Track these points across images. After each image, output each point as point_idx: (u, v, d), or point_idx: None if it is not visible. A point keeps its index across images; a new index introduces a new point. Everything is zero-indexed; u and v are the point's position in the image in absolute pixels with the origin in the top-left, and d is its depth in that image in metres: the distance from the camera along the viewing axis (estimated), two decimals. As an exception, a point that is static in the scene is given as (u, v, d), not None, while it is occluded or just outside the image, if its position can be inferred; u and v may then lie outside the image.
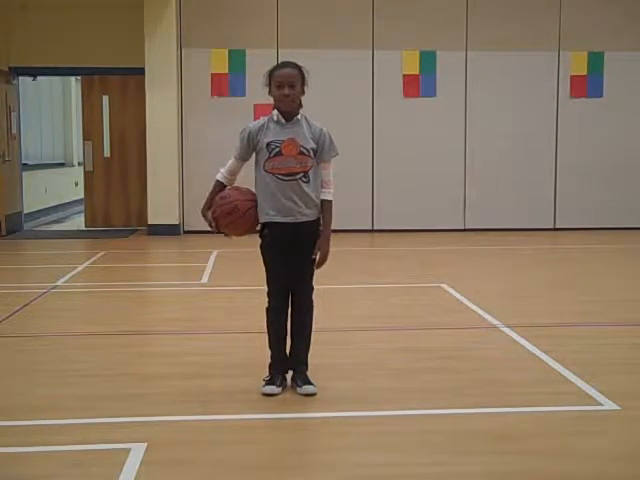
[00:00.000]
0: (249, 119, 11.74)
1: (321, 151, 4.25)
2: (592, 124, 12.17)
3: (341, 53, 11.83)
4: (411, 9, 11.88)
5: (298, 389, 4.26)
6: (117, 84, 12.47)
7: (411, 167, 12.07)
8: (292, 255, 4.24)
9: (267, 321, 4.36)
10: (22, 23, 12.03)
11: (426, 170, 12.09)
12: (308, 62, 12.53)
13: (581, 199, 12.25)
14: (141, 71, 11.49)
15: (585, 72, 12.10)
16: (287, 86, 4.14)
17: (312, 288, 4.35)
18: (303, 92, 4.22)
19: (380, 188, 12.06)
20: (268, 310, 4.35)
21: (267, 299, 4.34)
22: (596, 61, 12.09)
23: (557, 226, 12.28)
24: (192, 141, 11.83)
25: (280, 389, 4.27)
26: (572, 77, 12.11)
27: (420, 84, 11.99)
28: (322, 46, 11.78)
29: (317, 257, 4.26)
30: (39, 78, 13.75)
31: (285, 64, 4.25)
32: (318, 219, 4.31)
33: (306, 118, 4.26)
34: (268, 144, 4.22)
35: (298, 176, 4.21)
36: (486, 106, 12.05)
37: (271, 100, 4.27)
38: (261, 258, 4.33)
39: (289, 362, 4.36)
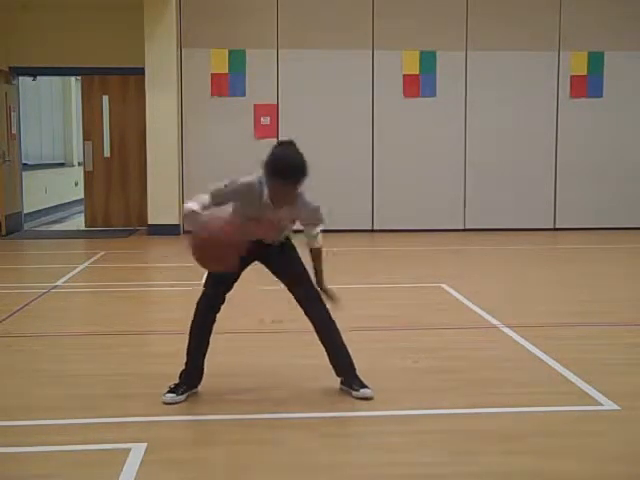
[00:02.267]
0: (249, 119, 11.78)
1: (305, 223, 4.19)
2: (592, 124, 12.17)
3: (341, 53, 11.83)
4: (411, 9, 11.88)
5: (354, 393, 4.19)
6: (117, 84, 12.47)
7: (411, 167, 12.07)
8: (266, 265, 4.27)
9: (194, 316, 4.25)
10: (22, 23, 12.03)
11: (426, 170, 12.09)
12: (308, 62, 12.50)
13: (581, 199, 12.24)
14: (141, 71, 11.49)
15: (585, 72, 12.10)
16: (284, 197, 3.98)
17: (315, 292, 4.25)
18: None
19: (380, 188, 12.06)
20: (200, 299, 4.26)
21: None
22: (596, 61, 12.09)
23: (557, 226, 12.28)
24: (192, 141, 11.83)
25: (183, 397, 4.17)
26: (572, 77, 12.11)
27: (420, 84, 11.99)
28: (322, 46, 11.78)
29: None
30: (39, 78, 13.74)
31: (290, 175, 3.92)
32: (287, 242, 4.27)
33: (301, 197, 4.06)
34: (245, 216, 4.05)
35: (266, 241, 4.22)
36: (486, 106, 12.05)
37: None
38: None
39: (201, 377, 4.28)
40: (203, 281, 4.31)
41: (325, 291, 4.26)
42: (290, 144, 4.04)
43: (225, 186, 4.05)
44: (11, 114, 12.19)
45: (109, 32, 12.01)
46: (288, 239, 4.30)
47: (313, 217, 4.16)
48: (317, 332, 4.29)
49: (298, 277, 4.25)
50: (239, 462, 3.44)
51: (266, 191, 4.00)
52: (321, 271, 4.25)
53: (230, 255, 3.88)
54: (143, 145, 11.79)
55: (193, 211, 3.95)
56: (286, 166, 3.92)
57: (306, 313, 4.27)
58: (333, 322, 4.28)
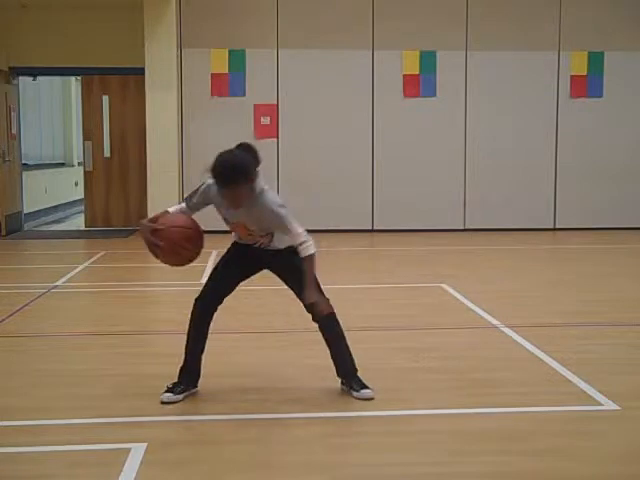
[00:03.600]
0: (249, 119, 11.78)
1: (274, 228, 4.11)
2: (592, 124, 12.17)
3: (341, 53, 11.83)
4: (411, 9, 11.88)
5: (355, 393, 4.19)
6: (117, 84, 12.47)
7: (411, 167, 12.07)
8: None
9: (191, 315, 4.27)
10: (22, 23, 12.02)
11: (426, 170, 12.09)
12: (308, 62, 12.54)
13: (581, 199, 12.24)
14: (141, 71, 11.48)
15: (585, 72, 12.10)
16: (231, 201, 3.96)
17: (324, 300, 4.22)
18: (252, 187, 3.94)
19: (380, 188, 12.05)
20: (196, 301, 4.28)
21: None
22: (596, 61, 12.09)
23: (557, 226, 12.28)
24: (192, 141, 11.83)
25: (180, 396, 4.18)
26: (572, 77, 12.11)
27: (420, 84, 11.99)
28: (322, 46, 11.78)
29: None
30: (39, 78, 13.75)
31: (223, 178, 3.89)
32: (287, 248, 4.19)
33: (263, 196, 3.99)
34: (223, 217, 4.16)
35: (256, 244, 4.21)
36: (486, 106, 12.05)
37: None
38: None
39: (198, 376, 4.28)
40: (204, 281, 4.32)
41: (309, 305, 4.14)
42: (238, 147, 4.04)
43: (196, 190, 4.18)
44: (11, 114, 12.19)
45: (109, 32, 12.01)
46: (289, 248, 4.21)
47: (277, 224, 4.04)
48: (321, 332, 4.29)
49: (298, 280, 4.20)
50: (239, 462, 3.44)
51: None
52: (306, 283, 4.06)
53: (184, 249, 4.00)
54: (143, 145, 11.78)
55: (165, 211, 4.16)
56: (218, 171, 3.91)
57: (312, 316, 4.26)
58: (337, 321, 4.28)
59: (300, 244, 4.03)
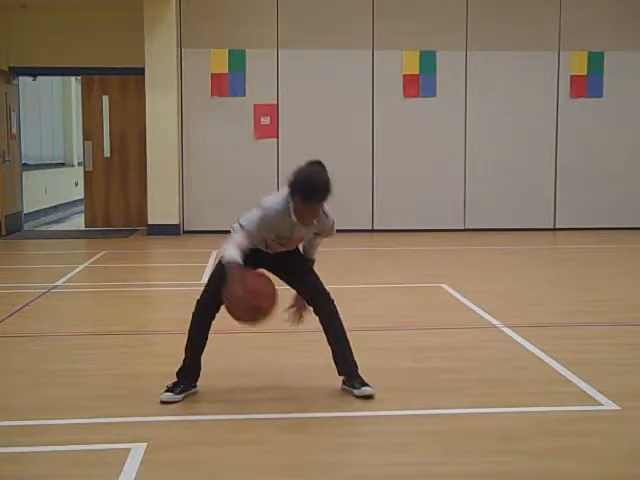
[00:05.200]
0: (249, 119, 11.78)
1: (318, 233, 4.29)
2: (592, 124, 12.17)
3: (341, 53, 11.83)
4: (411, 9, 11.88)
5: (355, 391, 4.20)
6: (117, 84, 12.48)
7: (411, 167, 12.07)
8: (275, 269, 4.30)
9: (193, 315, 4.27)
10: (22, 23, 12.03)
11: (426, 170, 12.09)
12: (308, 62, 12.52)
13: (581, 199, 12.25)
14: (141, 71, 11.49)
15: (585, 72, 12.10)
16: (311, 216, 4.05)
17: (326, 294, 4.28)
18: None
19: (380, 188, 12.06)
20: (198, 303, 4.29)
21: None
22: (596, 61, 12.09)
23: (557, 226, 12.28)
24: (192, 141, 11.83)
25: (180, 396, 4.18)
26: (572, 77, 12.11)
27: (420, 84, 11.99)
28: (322, 46, 11.78)
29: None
30: (39, 78, 13.75)
31: (315, 196, 3.97)
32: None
33: (324, 211, 4.14)
34: (278, 236, 4.14)
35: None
36: (486, 106, 12.05)
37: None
38: None
39: (198, 375, 4.29)
40: (206, 280, 4.31)
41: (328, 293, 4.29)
42: (316, 164, 4.12)
43: (257, 220, 4.02)
44: (11, 114, 12.19)
45: (109, 32, 12.01)
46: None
47: (328, 230, 4.27)
48: (323, 328, 4.29)
49: (302, 274, 4.28)
50: (239, 462, 3.44)
51: (292, 211, 4.01)
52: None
53: (266, 307, 4.01)
54: (143, 145, 11.78)
55: (238, 264, 3.94)
56: (312, 188, 3.96)
57: (314, 309, 4.28)
58: (339, 319, 4.28)
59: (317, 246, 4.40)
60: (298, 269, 4.31)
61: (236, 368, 4.78)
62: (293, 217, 4.01)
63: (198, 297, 4.29)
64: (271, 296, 4.01)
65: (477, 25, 11.93)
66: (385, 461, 3.44)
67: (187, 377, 4.25)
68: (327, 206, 4.15)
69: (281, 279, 4.34)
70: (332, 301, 4.29)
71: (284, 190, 4.05)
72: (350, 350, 4.30)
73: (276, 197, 4.08)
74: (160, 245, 10.81)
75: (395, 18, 11.82)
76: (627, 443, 3.65)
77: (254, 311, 3.99)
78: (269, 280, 4.09)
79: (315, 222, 4.11)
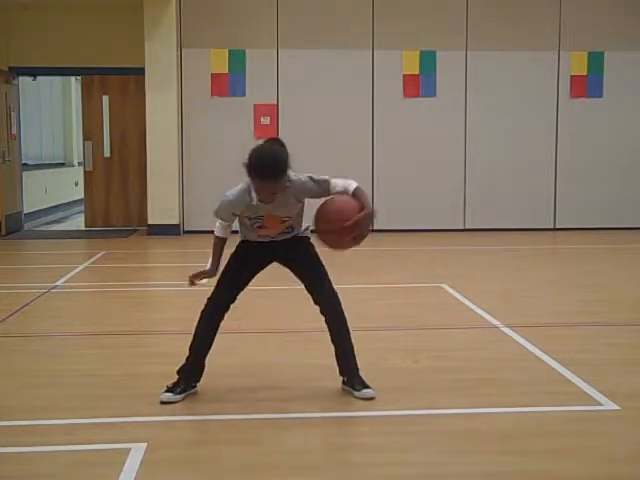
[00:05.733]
0: (249, 119, 11.78)
1: (311, 195, 4.13)
2: (592, 124, 12.17)
3: (341, 53, 11.83)
4: (411, 9, 11.87)
5: (356, 393, 4.19)
6: (117, 84, 12.47)
7: (411, 167, 12.07)
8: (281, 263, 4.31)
9: (202, 314, 4.28)
10: (22, 23, 12.03)
11: (426, 170, 12.09)
12: (308, 62, 12.49)
13: (581, 199, 12.24)
14: (141, 71, 11.49)
15: (585, 72, 12.10)
16: (269, 194, 4.01)
17: (333, 292, 4.28)
18: (286, 179, 4.00)
19: (380, 188, 12.04)
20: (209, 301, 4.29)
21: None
22: (596, 61, 12.08)
23: (557, 226, 12.28)
24: (192, 141, 11.83)
25: (180, 397, 4.18)
26: (572, 77, 12.11)
27: (420, 84, 11.99)
28: (322, 46, 11.78)
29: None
30: (39, 78, 13.74)
31: (265, 173, 3.91)
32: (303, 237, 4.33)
33: (290, 181, 4.03)
34: (249, 218, 4.15)
35: (280, 236, 4.25)
36: (486, 106, 12.05)
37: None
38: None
39: (200, 376, 4.29)
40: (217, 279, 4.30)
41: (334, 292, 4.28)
42: (269, 142, 4.09)
43: (219, 209, 4.14)
44: (11, 114, 12.19)
45: (109, 32, 12.01)
46: (306, 237, 4.32)
47: (311, 189, 4.10)
48: (328, 327, 4.29)
49: (312, 271, 4.28)
50: (239, 462, 3.44)
51: (254, 193, 4.03)
52: (367, 202, 4.22)
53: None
54: (143, 145, 11.78)
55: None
56: (259, 165, 3.93)
57: (319, 307, 4.27)
58: (344, 318, 4.28)
59: (348, 186, 4.12)
60: (305, 266, 4.30)
61: (236, 368, 4.78)
62: (253, 196, 4.02)
63: (209, 295, 4.29)
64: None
65: (477, 25, 11.93)
66: (385, 461, 3.44)
67: (189, 376, 4.24)
68: (292, 173, 4.05)
69: (295, 274, 4.34)
70: (339, 302, 4.28)
71: (245, 178, 4.08)
72: (353, 351, 4.30)
73: (236, 186, 4.12)
74: (160, 245, 10.81)
75: (395, 18, 11.82)
76: (627, 443, 3.65)
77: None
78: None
79: (279, 201, 4.04)
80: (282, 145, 4.07)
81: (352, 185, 4.12)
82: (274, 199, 4.03)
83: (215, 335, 4.26)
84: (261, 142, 4.10)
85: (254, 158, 3.95)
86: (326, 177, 4.13)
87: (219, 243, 4.21)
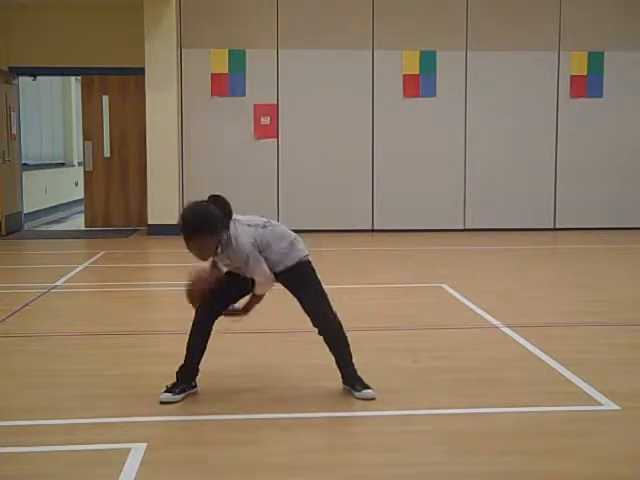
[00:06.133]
0: (249, 119, 11.79)
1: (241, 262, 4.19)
2: (592, 124, 12.16)
3: (341, 53, 11.83)
4: (411, 9, 11.88)
5: (356, 393, 4.19)
6: (117, 84, 12.47)
7: (411, 167, 12.07)
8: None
9: (196, 315, 4.30)
10: (22, 23, 12.03)
11: (426, 170, 12.09)
12: (308, 62, 12.55)
13: (581, 199, 12.24)
14: (141, 71, 11.49)
15: (585, 72, 12.10)
16: (196, 252, 4.09)
17: (321, 313, 4.24)
18: (213, 238, 4.03)
19: (380, 188, 12.05)
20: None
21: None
22: (596, 61, 12.08)
23: (557, 226, 12.28)
24: (192, 141, 11.83)
25: (179, 397, 4.18)
26: (572, 77, 12.11)
27: (420, 84, 11.99)
28: (322, 46, 11.78)
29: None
30: (39, 78, 13.75)
31: (183, 232, 4.01)
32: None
33: (229, 244, 4.08)
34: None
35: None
36: (486, 106, 12.05)
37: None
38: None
39: (196, 375, 4.30)
40: None
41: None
42: (202, 202, 4.11)
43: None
44: (11, 114, 12.19)
45: (109, 32, 12.01)
46: (297, 265, 4.24)
47: (242, 261, 4.11)
48: (327, 344, 4.28)
49: (303, 300, 4.27)
50: (239, 462, 3.44)
51: None
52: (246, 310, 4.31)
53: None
54: (143, 145, 11.78)
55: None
56: (179, 221, 4.07)
57: (318, 331, 4.27)
58: (339, 335, 4.25)
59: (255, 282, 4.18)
60: (295, 293, 4.28)
61: (236, 368, 4.78)
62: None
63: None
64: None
65: (477, 25, 11.93)
66: (385, 461, 3.44)
67: (187, 377, 4.25)
68: (237, 234, 4.06)
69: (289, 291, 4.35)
70: (332, 319, 4.24)
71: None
72: (350, 358, 4.28)
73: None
74: (160, 245, 10.81)
75: (395, 18, 11.82)
76: (627, 443, 3.65)
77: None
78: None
79: (221, 256, 4.13)
80: (220, 202, 4.06)
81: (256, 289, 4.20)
82: (203, 258, 4.14)
83: (208, 338, 4.27)
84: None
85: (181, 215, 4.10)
86: (256, 259, 4.09)
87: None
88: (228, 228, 4.07)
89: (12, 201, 12.24)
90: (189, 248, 4.06)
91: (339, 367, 4.30)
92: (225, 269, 4.31)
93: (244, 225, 4.13)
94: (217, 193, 4.14)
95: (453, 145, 12.10)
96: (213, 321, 4.27)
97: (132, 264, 9.31)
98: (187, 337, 4.28)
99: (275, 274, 4.19)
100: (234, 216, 4.13)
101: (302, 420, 3.93)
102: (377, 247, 10.91)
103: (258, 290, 4.20)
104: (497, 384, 4.50)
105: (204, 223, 4.01)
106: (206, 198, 4.13)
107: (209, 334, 4.27)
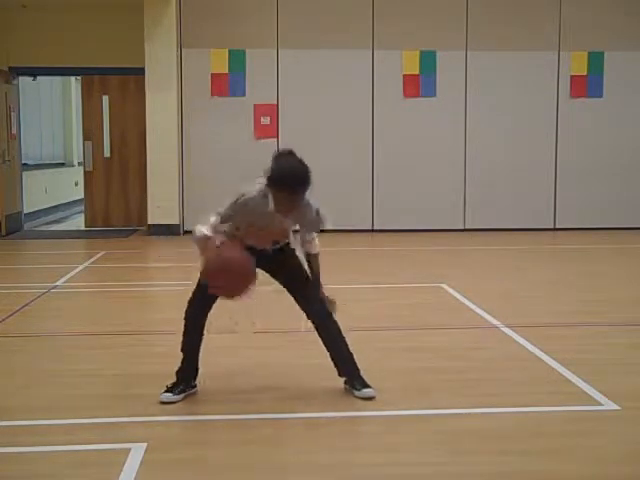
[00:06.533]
0: (249, 119, 11.79)
1: (306, 228, 4.23)
2: (592, 124, 12.16)
3: (341, 53, 11.83)
4: (411, 9, 11.88)
5: (356, 392, 4.19)
6: (117, 84, 12.47)
7: (411, 167, 12.07)
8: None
9: (186, 314, 4.27)
10: (22, 23, 12.02)
11: (426, 170, 12.09)
12: (308, 62, 12.52)
13: (581, 199, 12.24)
14: (141, 71, 11.49)
15: (585, 72, 12.10)
16: (291, 206, 3.99)
17: (322, 305, 4.24)
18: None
19: (380, 188, 12.05)
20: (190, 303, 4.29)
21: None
22: (596, 61, 12.08)
23: (557, 226, 12.28)
24: (192, 141, 11.83)
25: (179, 397, 4.18)
26: (572, 77, 12.11)
27: (420, 84, 11.99)
28: (322, 46, 11.78)
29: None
30: (39, 78, 13.74)
31: (297, 185, 3.94)
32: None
33: (307, 203, 4.09)
34: (254, 225, 4.20)
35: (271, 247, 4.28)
36: (486, 106, 12.05)
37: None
38: None
39: (196, 374, 4.29)
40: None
41: (322, 299, 4.23)
42: (291, 154, 4.05)
43: (232, 204, 4.08)
44: (11, 114, 12.19)
45: (109, 32, 12.01)
46: (287, 243, 4.29)
47: (315, 225, 4.14)
48: (318, 332, 4.29)
49: (297, 279, 4.26)
50: (239, 462, 3.44)
51: (271, 202, 3.99)
52: (317, 277, 4.22)
53: (242, 285, 3.95)
54: (143, 145, 11.78)
55: (206, 236, 4.03)
56: (292, 177, 3.93)
57: (306, 314, 4.28)
58: (334, 322, 4.27)
59: (313, 239, 4.18)
60: (288, 276, 4.27)
61: (236, 368, 4.78)
62: (271, 208, 3.99)
63: (190, 296, 4.29)
64: (245, 265, 3.96)
65: (477, 25, 11.92)
66: (385, 461, 3.44)
67: (186, 377, 4.25)
68: (311, 198, 4.07)
69: (276, 280, 4.33)
70: (324, 306, 4.24)
71: (261, 179, 4.03)
72: (349, 351, 4.29)
73: (253, 186, 4.08)
74: (160, 245, 10.81)
75: (395, 18, 11.82)
76: (627, 443, 3.65)
77: (228, 276, 3.95)
78: (245, 255, 4.01)
79: (295, 213, 4.04)
80: (300, 158, 4.07)
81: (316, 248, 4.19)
82: (292, 213, 4.02)
83: (202, 336, 4.26)
84: (281, 153, 4.07)
85: (285, 169, 3.94)
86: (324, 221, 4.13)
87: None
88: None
89: (12, 201, 12.23)
90: (285, 202, 3.93)
91: (336, 364, 4.30)
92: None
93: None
94: (289, 149, 4.10)
95: (453, 145, 12.10)
96: (205, 315, 4.25)
97: (132, 264, 9.31)
98: (181, 335, 4.27)
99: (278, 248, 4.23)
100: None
101: (302, 420, 3.92)
102: (377, 247, 10.91)
103: (318, 247, 4.20)
104: (497, 384, 4.50)
105: (310, 175, 3.96)
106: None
107: (202, 328, 4.25)
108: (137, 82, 12.07)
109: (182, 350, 4.28)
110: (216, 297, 4.23)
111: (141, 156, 12.05)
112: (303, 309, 4.27)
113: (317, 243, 4.20)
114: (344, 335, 4.29)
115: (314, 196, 4.11)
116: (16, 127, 12.45)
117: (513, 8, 11.98)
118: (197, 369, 4.29)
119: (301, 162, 4.00)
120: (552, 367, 4.79)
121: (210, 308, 4.25)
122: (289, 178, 3.92)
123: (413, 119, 12.01)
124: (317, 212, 4.10)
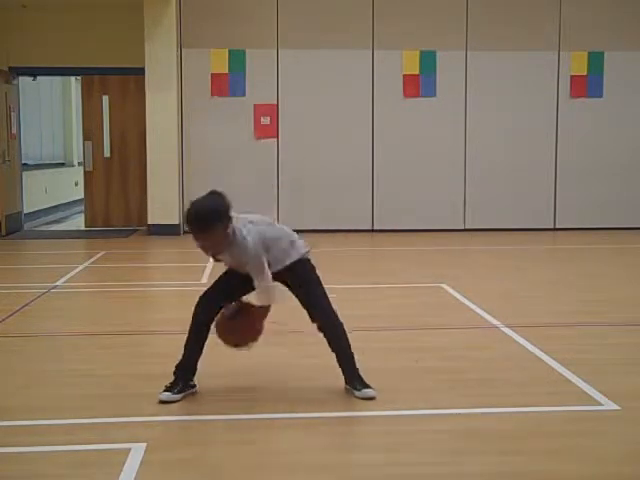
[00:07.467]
0: (249, 119, 11.79)
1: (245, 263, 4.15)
2: (592, 124, 12.17)
3: (341, 53, 11.83)
4: (411, 9, 11.88)
5: (356, 393, 4.19)
6: (117, 84, 12.47)
7: (411, 167, 12.07)
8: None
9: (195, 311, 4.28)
10: (22, 23, 12.02)
11: (426, 170, 12.09)
12: (308, 62, 12.56)
13: (581, 199, 12.24)
14: (141, 71, 11.49)
15: (585, 72, 12.10)
16: (207, 243, 3.99)
17: (321, 308, 4.24)
18: (225, 230, 3.95)
19: (380, 188, 12.05)
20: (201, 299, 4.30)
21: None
22: (596, 61, 12.08)
23: (557, 226, 12.28)
24: (192, 141, 11.83)
25: (179, 396, 4.18)
26: (572, 77, 12.11)
27: (420, 84, 11.99)
28: (322, 46, 11.78)
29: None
30: (39, 78, 13.74)
31: (190, 225, 3.94)
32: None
33: (237, 243, 4.02)
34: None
35: None
36: (486, 106, 12.05)
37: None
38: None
39: (194, 374, 4.30)
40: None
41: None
42: (210, 193, 4.04)
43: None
44: (11, 114, 12.19)
45: (109, 32, 12.01)
46: (299, 262, 4.24)
47: (251, 267, 4.06)
48: (327, 340, 4.28)
49: (303, 298, 4.27)
50: (239, 462, 3.44)
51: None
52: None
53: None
54: (143, 145, 11.78)
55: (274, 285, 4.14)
56: (187, 217, 3.98)
57: (317, 327, 4.28)
58: (339, 333, 4.26)
59: (258, 288, 4.11)
60: (296, 290, 4.28)
61: (236, 368, 4.78)
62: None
63: (201, 294, 4.29)
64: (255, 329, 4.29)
65: (477, 25, 11.93)
66: (385, 461, 3.44)
67: (184, 373, 4.25)
68: (243, 233, 4.00)
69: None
70: (333, 316, 4.24)
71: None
72: (352, 357, 4.28)
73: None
74: (160, 245, 10.81)
75: (395, 18, 11.82)
76: (627, 443, 3.65)
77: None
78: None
79: (227, 252, 4.05)
80: (217, 195, 4.01)
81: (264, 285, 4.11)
82: (215, 251, 4.05)
83: (205, 338, 4.25)
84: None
85: (186, 210, 4.00)
86: (261, 265, 4.03)
87: None
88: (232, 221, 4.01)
89: (12, 201, 12.23)
90: (200, 240, 3.97)
91: (340, 365, 4.30)
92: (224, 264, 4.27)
93: (246, 222, 4.09)
94: (217, 189, 4.09)
95: (453, 145, 12.10)
96: (212, 318, 4.25)
97: (132, 264, 9.31)
98: (186, 334, 4.28)
99: (276, 272, 4.16)
100: (233, 213, 4.07)
101: (302, 420, 3.92)
102: (377, 247, 10.91)
103: (259, 298, 4.14)
104: (497, 384, 4.50)
105: (216, 213, 3.93)
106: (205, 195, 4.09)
107: (207, 331, 4.26)
108: (137, 82, 12.07)
109: (185, 345, 4.28)
110: (228, 297, 4.25)
111: (141, 156, 12.05)
112: (312, 321, 4.28)
113: (261, 295, 4.12)
114: (349, 341, 4.29)
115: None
116: (16, 127, 12.45)
117: (513, 8, 11.98)
118: (195, 369, 4.28)
119: (204, 201, 3.99)
120: (552, 367, 4.79)
121: (220, 308, 4.25)
122: (186, 219, 4.00)
123: (413, 119, 12.01)
124: (252, 255, 4.00)
